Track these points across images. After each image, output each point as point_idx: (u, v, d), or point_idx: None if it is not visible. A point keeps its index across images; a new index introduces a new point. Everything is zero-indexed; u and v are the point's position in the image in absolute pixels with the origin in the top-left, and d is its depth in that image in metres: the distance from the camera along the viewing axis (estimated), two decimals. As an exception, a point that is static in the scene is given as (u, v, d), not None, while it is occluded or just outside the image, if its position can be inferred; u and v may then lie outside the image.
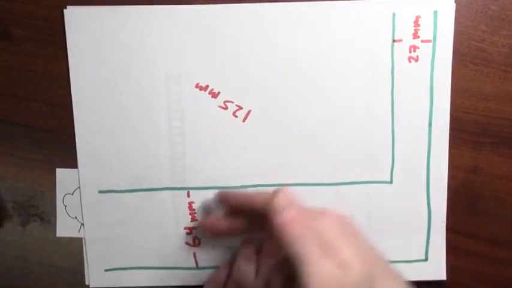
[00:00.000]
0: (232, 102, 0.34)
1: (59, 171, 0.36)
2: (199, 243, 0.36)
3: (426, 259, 0.36)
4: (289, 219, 0.27)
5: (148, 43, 0.33)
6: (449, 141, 0.34)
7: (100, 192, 0.35)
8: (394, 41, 0.33)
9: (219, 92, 0.34)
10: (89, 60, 0.34)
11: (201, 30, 0.33)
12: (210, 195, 0.35)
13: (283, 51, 0.33)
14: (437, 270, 0.36)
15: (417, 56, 0.33)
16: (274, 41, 0.33)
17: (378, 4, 0.33)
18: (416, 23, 0.33)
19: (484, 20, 0.33)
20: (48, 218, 0.37)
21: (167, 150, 0.35)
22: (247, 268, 0.33)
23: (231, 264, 0.35)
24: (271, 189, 0.35)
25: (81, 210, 0.36)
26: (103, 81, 0.34)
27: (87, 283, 0.37)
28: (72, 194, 0.36)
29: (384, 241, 0.36)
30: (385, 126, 0.34)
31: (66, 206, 0.36)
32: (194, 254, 0.36)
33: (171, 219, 0.36)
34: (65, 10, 0.33)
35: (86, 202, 0.36)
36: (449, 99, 0.34)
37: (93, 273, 0.37)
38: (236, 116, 0.34)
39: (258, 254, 0.34)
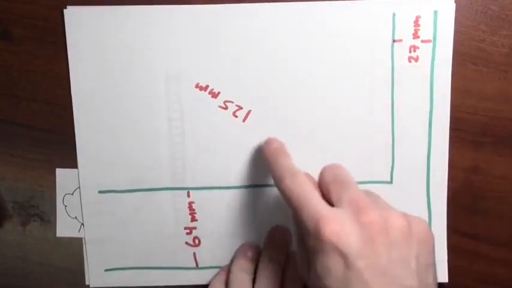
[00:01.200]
0: (232, 102, 0.34)
1: (59, 171, 0.36)
2: (199, 243, 0.36)
3: (426, 260, 0.36)
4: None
5: (149, 43, 0.33)
6: (449, 141, 0.34)
7: (100, 192, 0.35)
8: (394, 41, 0.33)
9: (219, 92, 0.34)
10: (89, 60, 0.34)
11: (201, 30, 0.33)
12: (210, 195, 0.35)
13: (283, 51, 0.33)
14: (439, 271, 0.36)
15: (417, 56, 0.33)
16: (274, 41, 0.33)
17: (378, 4, 0.33)
18: (416, 23, 0.33)
19: (484, 20, 0.33)
20: (48, 218, 0.37)
21: (167, 150, 0.35)
22: (243, 279, 0.33)
23: (226, 273, 0.35)
24: (273, 190, 0.35)
25: (81, 210, 0.36)
26: (103, 81, 0.34)
27: (87, 283, 0.37)
28: (72, 194, 0.36)
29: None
30: (385, 126, 0.34)
31: (66, 206, 0.36)
32: (194, 254, 0.36)
33: (171, 219, 0.36)
34: (64, 10, 0.33)
35: (86, 202, 0.36)
36: (449, 99, 0.34)
37: (93, 273, 0.37)
38: (236, 116, 0.34)
39: (255, 263, 0.34)
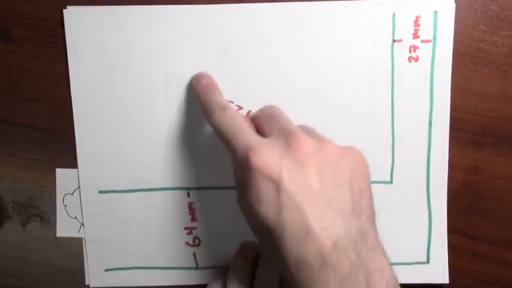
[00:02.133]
0: (232, 102, 0.34)
1: (59, 171, 0.36)
2: (199, 243, 0.36)
3: (428, 261, 0.36)
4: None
5: (148, 43, 0.33)
6: (449, 141, 0.34)
7: (100, 192, 0.35)
8: (394, 41, 0.33)
9: (219, 92, 0.34)
10: (89, 60, 0.34)
11: (201, 30, 0.33)
12: (210, 195, 0.35)
13: (283, 52, 0.33)
14: (440, 272, 0.36)
15: (417, 56, 0.33)
16: (274, 41, 0.33)
17: (377, 4, 0.33)
18: (416, 23, 0.33)
19: (484, 20, 0.33)
20: (48, 218, 0.37)
21: (167, 150, 0.35)
22: (241, 279, 0.33)
23: (226, 272, 0.35)
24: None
25: (81, 210, 0.36)
26: (103, 81, 0.34)
27: (87, 283, 0.37)
28: (72, 194, 0.36)
29: (384, 242, 0.36)
30: (385, 126, 0.34)
31: (66, 206, 0.36)
32: (194, 254, 0.36)
33: (171, 219, 0.36)
34: (64, 10, 0.33)
35: (86, 202, 0.36)
36: (449, 99, 0.34)
37: (93, 273, 0.37)
38: (236, 116, 0.34)
39: (254, 262, 0.34)
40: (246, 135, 0.27)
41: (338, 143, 0.27)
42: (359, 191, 0.25)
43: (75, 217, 0.36)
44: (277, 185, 0.24)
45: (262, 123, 0.28)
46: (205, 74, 0.33)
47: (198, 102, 0.31)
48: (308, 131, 0.27)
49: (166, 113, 0.34)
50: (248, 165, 0.25)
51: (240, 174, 0.26)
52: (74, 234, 0.37)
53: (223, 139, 0.28)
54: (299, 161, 0.25)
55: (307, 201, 0.24)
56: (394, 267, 0.36)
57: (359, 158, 0.27)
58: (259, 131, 0.28)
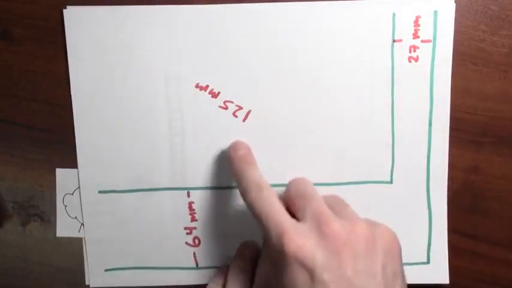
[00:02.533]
0: (232, 102, 0.34)
1: (59, 171, 0.36)
2: (199, 243, 0.36)
3: (428, 262, 0.36)
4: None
5: (148, 43, 0.33)
6: (449, 141, 0.34)
7: (100, 192, 0.36)
8: (394, 41, 0.33)
9: (219, 92, 0.34)
10: (89, 60, 0.34)
11: (201, 30, 0.33)
12: (210, 195, 0.35)
13: (283, 51, 0.33)
14: (440, 273, 0.36)
15: (417, 56, 0.33)
16: (274, 41, 0.33)
17: (377, 4, 0.33)
18: (416, 23, 0.33)
19: (484, 20, 0.33)
20: (48, 218, 0.37)
21: (167, 150, 0.35)
22: (241, 278, 0.33)
23: (225, 272, 0.35)
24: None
25: (81, 210, 0.36)
26: (103, 81, 0.34)
27: (87, 283, 0.37)
28: (72, 194, 0.36)
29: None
30: (385, 126, 0.34)
31: (66, 206, 0.36)
32: (194, 254, 0.37)
33: (171, 219, 0.36)
34: (64, 10, 0.33)
35: (86, 202, 0.36)
36: (449, 99, 0.34)
37: (93, 273, 0.37)
38: (236, 116, 0.34)
39: (254, 262, 0.34)
40: (280, 218, 0.27)
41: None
42: (392, 274, 0.26)
43: (75, 217, 0.36)
44: (311, 274, 0.24)
45: (295, 202, 0.28)
46: (242, 144, 0.33)
47: (232, 173, 0.32)
48: (338, 207, 0.28)
49: (166, 113, 0.34)
50: (282, 251, 0.25)
51: (273, 257, 0.27)
52: (74, 234, 0.37)
53: (257, 218, 0.28)
54: (333, 249, 0.25)
55: None
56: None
57: (391, 240, 0.27)
58: (291, 209, 0.28)
